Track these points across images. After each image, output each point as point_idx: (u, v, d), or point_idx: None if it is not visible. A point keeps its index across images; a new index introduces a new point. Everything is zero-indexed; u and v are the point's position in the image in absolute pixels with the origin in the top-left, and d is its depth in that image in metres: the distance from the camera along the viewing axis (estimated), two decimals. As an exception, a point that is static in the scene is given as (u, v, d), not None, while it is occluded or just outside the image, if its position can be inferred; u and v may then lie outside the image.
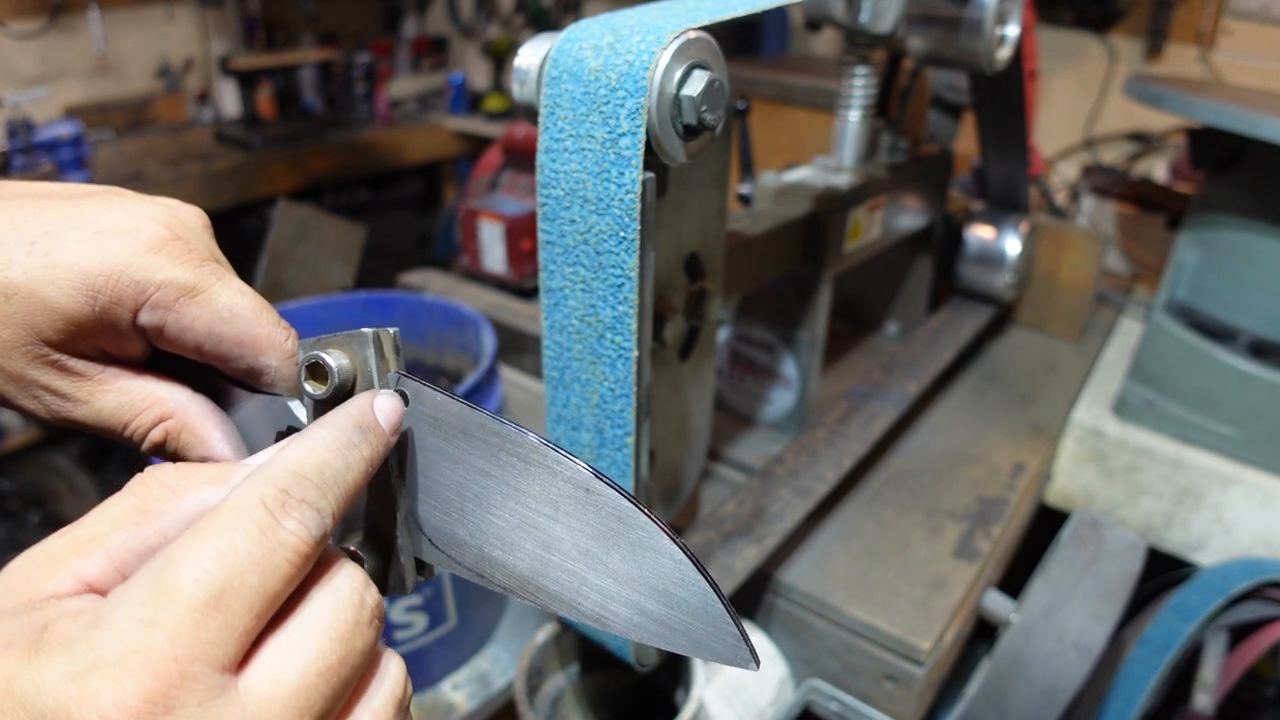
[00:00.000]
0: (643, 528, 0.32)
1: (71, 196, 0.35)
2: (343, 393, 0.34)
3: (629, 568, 0.32)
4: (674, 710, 0.76)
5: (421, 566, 0.37)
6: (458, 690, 0.88)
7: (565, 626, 0.74)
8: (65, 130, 2.17)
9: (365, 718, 0.29)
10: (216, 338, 0.35)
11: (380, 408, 0.33)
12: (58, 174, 2.16)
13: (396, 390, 0.34)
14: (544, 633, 0.73)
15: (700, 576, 0.31)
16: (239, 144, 2.65)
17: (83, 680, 0.23)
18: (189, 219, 0.36)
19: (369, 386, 0.34)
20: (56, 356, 0.34)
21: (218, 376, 0.38)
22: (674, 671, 0.75)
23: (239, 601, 0.25)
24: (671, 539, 0.31)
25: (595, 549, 0.32)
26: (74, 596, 0.26)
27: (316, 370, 0.34)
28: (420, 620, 0.82)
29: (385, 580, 0.36)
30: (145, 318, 0.34)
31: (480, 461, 0.34)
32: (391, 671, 0.30)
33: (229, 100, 2.98)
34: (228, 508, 0.27)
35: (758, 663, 0.31)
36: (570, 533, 0.33)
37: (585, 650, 0.77)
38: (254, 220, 2.56)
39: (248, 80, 2.74)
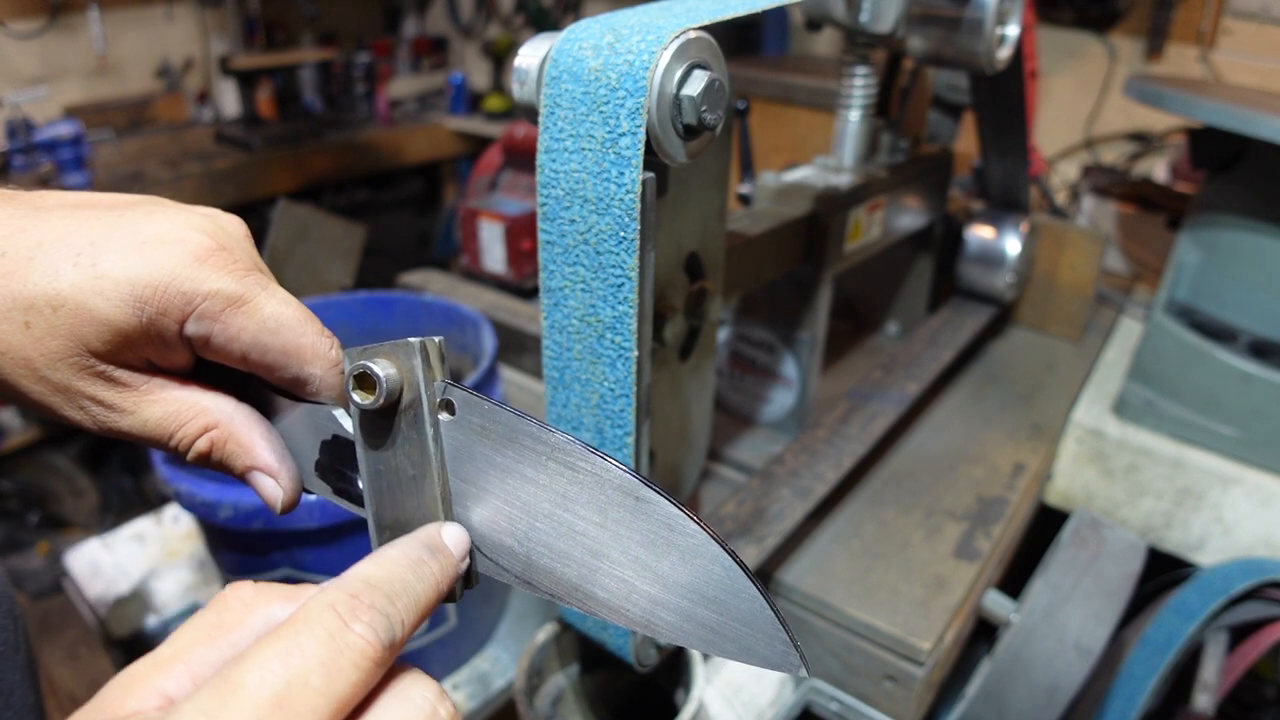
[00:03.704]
0: (692, 535, 0.32)
1: (114, 207, 0.35)
2: (390, 402, 0.34)
3: (679, 575, 0.32)
4: (674, 710, 0.76)
5: (469, 575, 0.37)
6: (458, 690, 0.88)
7: (565, 626, 0.74)
8: (65, 130, 2.17)
9: None
10: (262, 348, 0.35)
11: (448, 534, 0.34)
12: (58, 174, 2.16)
13: (444, 399, 0.35)
14: (544, 633, 0.73)
15: (750, 584, 0.31)
16: (239, 144, 2.65)
17: None
18: (231, 228, 0.37)
19: (415, 396, 0.34)
20: (103, 367, 0.34)
21: (262, 385, 0.38)
22: (674, 671, 0.75)
23: (303, 702, 0.25)
24: (721, 546, 0.31)
25: (645, 556, 0.32)
26: (155, 711, 0.27)
27: (364, 380, 0.34)
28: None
29: None
30: (191, 328, 0.34)
31: (528, 470, 0.34)
32: None
33: (229, 100, 2.98)
34: (300, 612, 0.27)
35: (808, 669, 0.32)
36: (619, 540, 0.33)
37: (585, 650, 0.77)
38: (254, 220, 2.54)
39: (248, 80, 2.74)
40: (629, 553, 0.33)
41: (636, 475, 0.32)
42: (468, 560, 0.35)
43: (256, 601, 0.30)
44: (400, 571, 0.30)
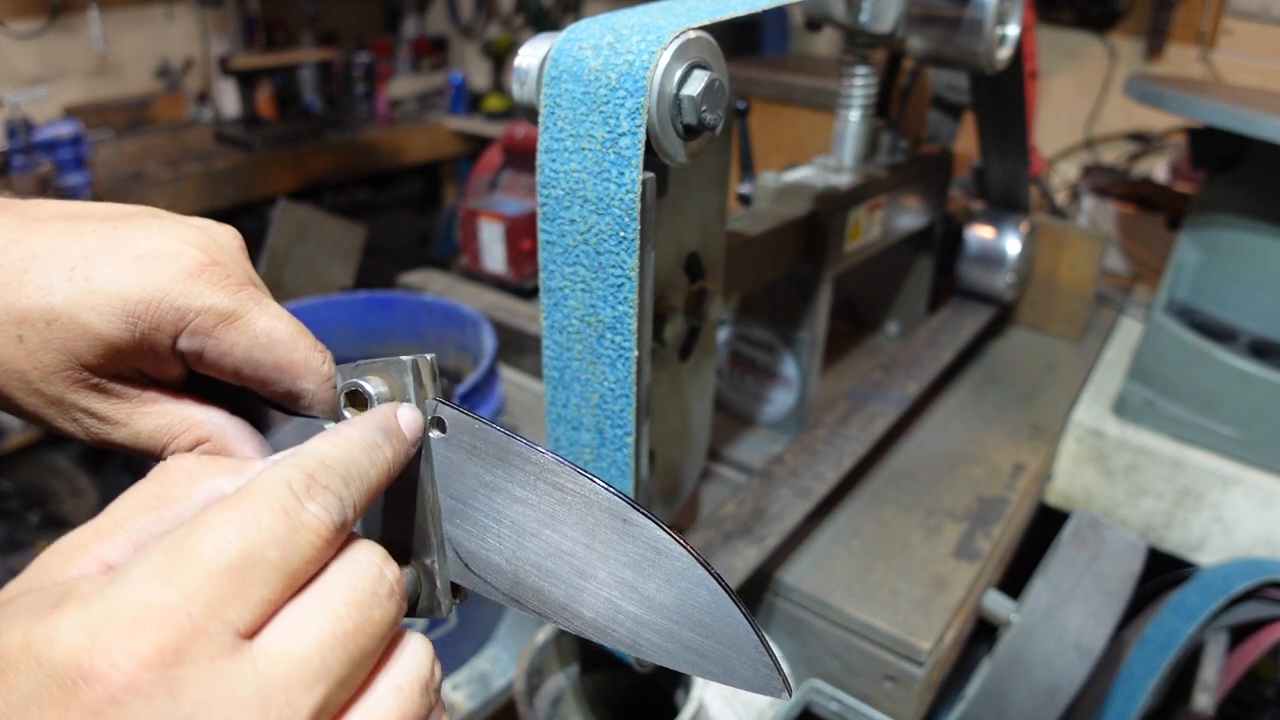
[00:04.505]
0: (679, 558, 0.32)
1: (109, 218, 0.35)
2: None
3: (664, 597, 0.32)
4: (674, 710, 0.76)
5: (457, 590, 0.37)
6: (458, 690, 0.88)
7: (565, 626, 0.74)
8: (65, 130, 2.17)
9: (386, 690, 0.29)
10: (254, 363, 0.35)
11: (403, 417, 0.33)
12: (57, 174, 2.16)
13: (434, 417, 0.35)
14: (544, 633, 0.73)
15: (735, 608, 0.31)
16: (239, 144, 2.65)
17: (95, 632, 0.23)
18: (225, 241, 0.37)
19: None
20: (96, 380, 0.34)
21: (255, 399, 0.38)
22: (674, 672, 0.75)
23: (257, 573, 0.25)
24: (707, 570, 0.32)
25: (631, 578, 0.33)
26: (93, 576, 0.27)
27: (356, 398, 0.34)
28: (419, 621, 0.82)
29: (421, 603, 0.37)
30: (184, 343, 0.34)
31: (518, 489, 0.34)
32: (416, 649, 0.30)
33: (229, 100, 2.98)
34: (254, 485, 0.27)
35: (790, 691, 0.32)
36: (606, 562, 0.33)
37: (585, 650, 0.77)
38: (254, 220, 2.56)
39: (248, 80, 2.74)
40: (616, 574, 0.33)
41: (625, 498, 0.32)
42: (419, 445, 0.34)
43: (201, 473, 0.30)
44: (356, 454, 0.30)
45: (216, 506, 0.26)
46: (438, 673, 0.31)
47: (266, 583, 0.26)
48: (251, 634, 0.25)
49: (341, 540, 0.29)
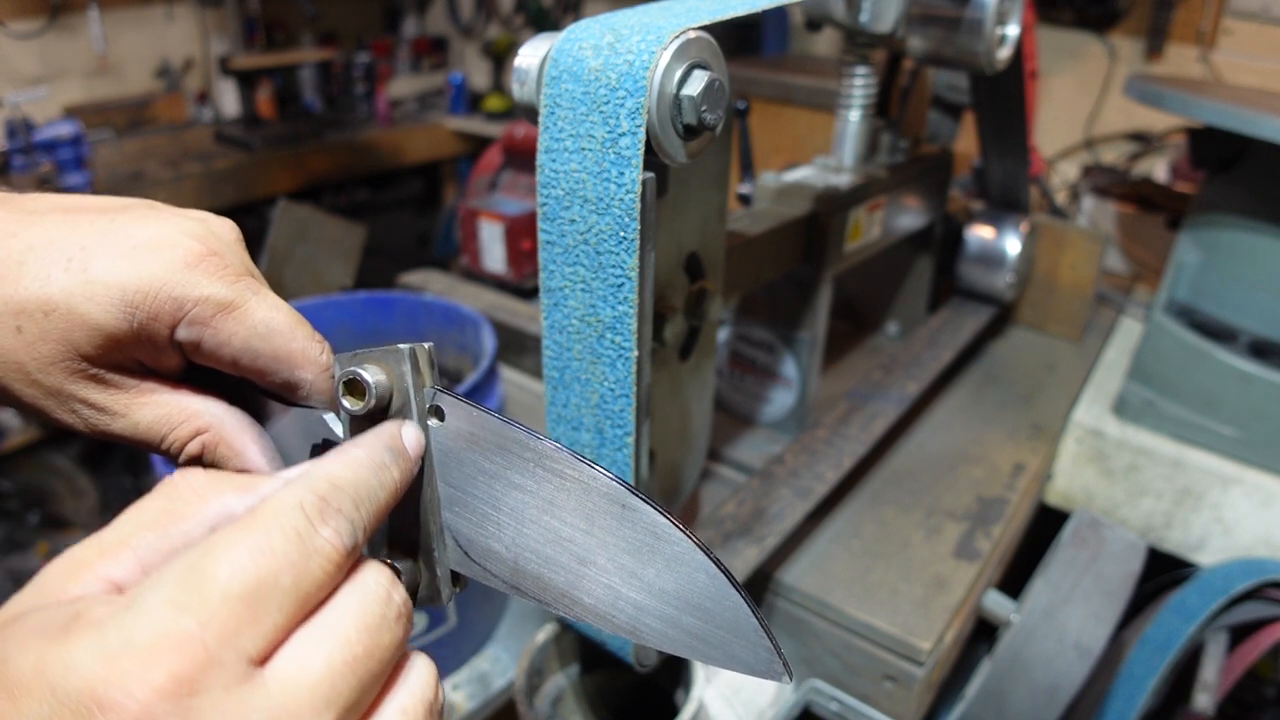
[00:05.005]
0: (678, 543, 0.32)
1: (106, 210, 0.35)
2: (380, 408, 0.35)
3: (664, 583, 0.32)
4: (674, 710, 0.76)
5: (457, 578, 0.37)
6: (458, 690, 0.88)
7: (565, 627, 0.74)
8: (65, 130, 2.17)
9: (393, 714, 0.29)
10: (253, 353, 0.35)
11: (407, 436, 0.34)
12: (57, 174, 2.16)
13: (433, 405, 0.35)
14: (544, 633, 0.73)
15: (735, 592, 0.31)
16: (239, 144, 2.65)
17: (111, 661, 0.23)
18: (223, 232, 0.37)
19: (405, 402, 0.35)
20: (94, 371, 0.34)
21: (253, 389, 0.38)
22: (674, 672, 0.75)
23: (271, 600, 0.25)
24: (706, 554, 0.32)
25: (630, 564, 0.33)
26: (104, 596, 0.26)
27: (354, 386, 0.34)
28: (420, 620, 0.82)
29: (421, 592, 0.37)
30: (182, 333, 0.34)
31: (516, 476, 0.34)
32: (421, 672, 0.30)
33: (229, 100, 2.98)
34: (268, 509, 0.27)
35: (791, 675, 0.32)
36: (605, 548, 0.33)
37: (585, 650, 0.77)
38: (254, 220, 2.56)
39: (247, 80, 2.74)
40: (615, 560, 0.33)
41: (623, 483, 0.32)
42: (421, 463, 0.34)
43: (209, 491, 0.30)
44: (365, 475, 0.30)
45: (231, 529, 0.26)
46: (441, 695, 0.31)
47: (280, 609, 0.26)
48: (263, 660, 0.25)
49: (351, 563, 0.29)
